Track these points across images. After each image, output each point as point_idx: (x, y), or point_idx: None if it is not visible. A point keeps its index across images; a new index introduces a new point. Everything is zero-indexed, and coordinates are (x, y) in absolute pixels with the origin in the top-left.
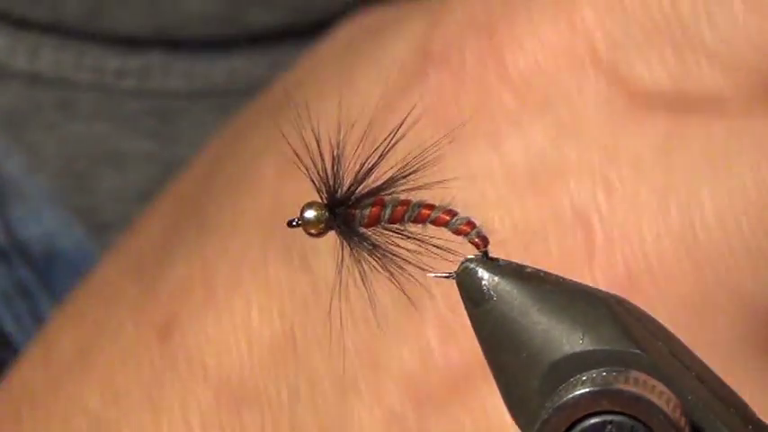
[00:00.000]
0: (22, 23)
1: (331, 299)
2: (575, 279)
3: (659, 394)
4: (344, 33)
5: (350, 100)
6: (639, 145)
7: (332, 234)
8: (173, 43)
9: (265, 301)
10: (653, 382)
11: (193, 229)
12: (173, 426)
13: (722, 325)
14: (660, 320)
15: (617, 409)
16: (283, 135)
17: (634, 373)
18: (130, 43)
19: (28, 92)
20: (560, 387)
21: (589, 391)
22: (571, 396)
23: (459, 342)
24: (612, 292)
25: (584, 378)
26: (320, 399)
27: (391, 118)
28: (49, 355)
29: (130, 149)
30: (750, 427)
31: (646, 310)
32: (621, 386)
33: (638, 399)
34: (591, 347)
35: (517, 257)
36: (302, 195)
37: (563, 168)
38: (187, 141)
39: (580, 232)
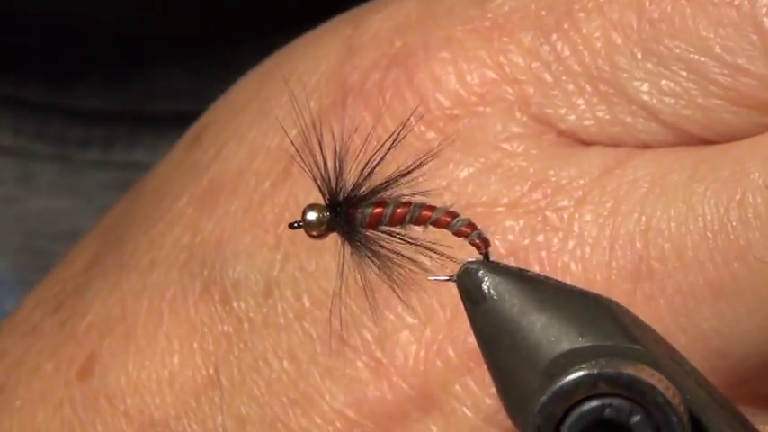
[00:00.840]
0: None
1: (331, 304)
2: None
3: (658, 380)
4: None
5: (266, 140)
6: (575, 177)
7: (250, 267)
8: (139, 116)
9: (186, 341)
10: (651, 370)
11: (114, 263)
12: None
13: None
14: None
15: (615, 392)
16: (286, 134)
17: (633, 361)
18: (95, 115)
19: None
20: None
21: (587, 374)
22: (570, 378)
23: (390, 379)
24: None
25: (582, 365)
26: None
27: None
28: None
29: (90, 227)
30: None
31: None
32: (621, 369)
33: (637, 381)
34: (590, 343)
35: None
36: (219, 227)
37: (493, 207)
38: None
39: None
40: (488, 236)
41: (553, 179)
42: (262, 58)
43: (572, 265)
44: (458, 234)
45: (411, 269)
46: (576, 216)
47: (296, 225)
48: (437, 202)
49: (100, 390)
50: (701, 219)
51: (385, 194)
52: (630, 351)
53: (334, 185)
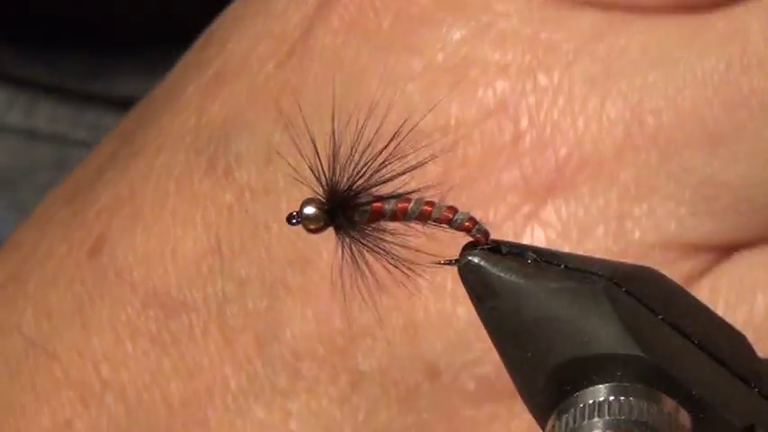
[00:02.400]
0: (20, 81)
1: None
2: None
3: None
4: None
5: (270, 25)
6: (567, 39)
7: (252, 139)
8: None
9: (190, 213)
10: (659, 407)
11: (125, 155)
12: (103, 338)
13: (663, 212)
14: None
15: None
16: (286, 134)
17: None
18: (129, 104)
19: (23, 149)
20: (567, 399)
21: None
22: None
23: None
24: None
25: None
26: (249, 301)
27: (313, 40)
28: None
29: None
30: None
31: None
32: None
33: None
34: (594, 352)
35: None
36: (224, 107)
37: (486, 66)
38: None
39: (508, 127)
40: (487, 227)
41: (545, 41)
42: None
43: (561, 120)
44: (459, 229)
45: (410, 263)
46: (568, 76)
47: (294, 221)
48: (436, 198)
49: (108, 266)
50: (699, 72)
51: (385, 189)
52: (634, 360)
53: (332, 180)
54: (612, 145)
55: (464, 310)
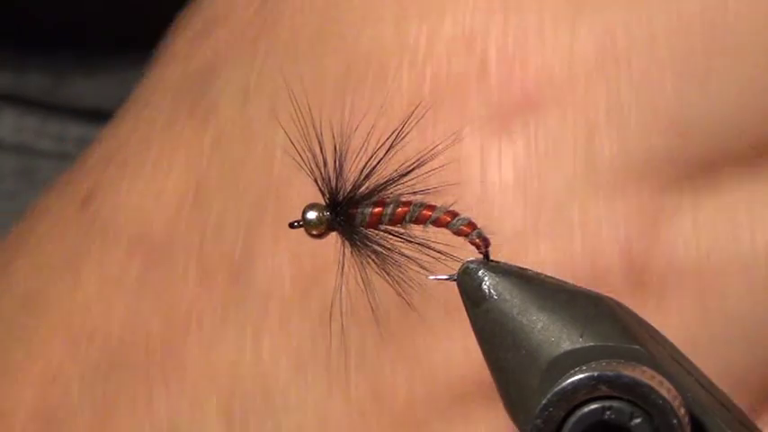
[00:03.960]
0: None
1: (332, 303)
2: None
3: (659, 383)
4: None
5: None
6: None
7: (230, 79)
8: None
9: (172, 158)
10: (652, 372)
11: (118, 114)
12: (89, 285)
13: (634, 138)
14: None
15: (616, 395)
16: (286, 134)
17: (634, 362)
18: (95, 114)
19: None
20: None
21: (588, 376)
22: (569, 381)
23: None
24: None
25: (583, 367)
26: (226, 237)
27: None
28: None
29: None
30: None
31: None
32: (621, 371)
33: (637, 384)
34: (590, 343)
35: (415, 85)
36: (207, 54)
37: None
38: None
39: (479, 45)
40: (488, 235)
41: None
42: None
43: (533, 40)
44: (458, 233)
45: (411, 268)
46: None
47: (296, 224)
48: (437, 202)
49: (96, 216)
50: None
51: (385, 194)
52: (631, 352)
53: (334, 185)
54: (584, 65)
55: None
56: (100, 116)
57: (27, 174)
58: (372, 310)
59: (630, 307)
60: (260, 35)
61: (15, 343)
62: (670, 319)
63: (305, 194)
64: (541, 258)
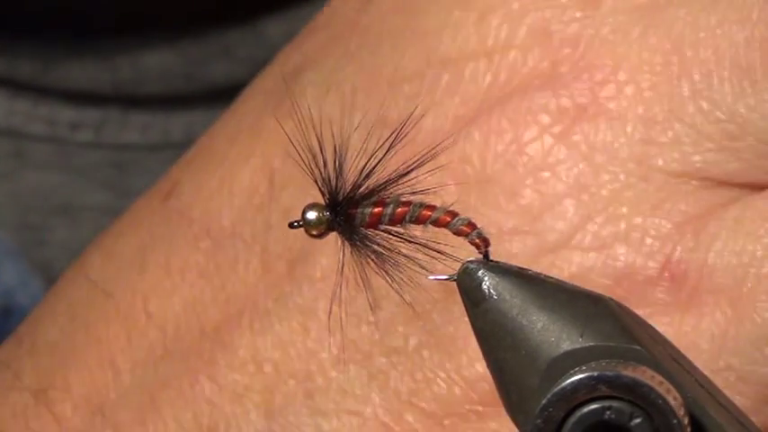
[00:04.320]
0: None
1: (331, 305)
2: None
3: (659, 383)
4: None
5: None
6: None
7: (316, 74)
8: (130, 98)
9: (251, 148)
10: (652, 372)
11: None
12: (155, 274)
13: (688, 143)
14: None
15: (616, 395)
16: (287, 136)
17: (633, 363)
18: (86, 97)
19: None
20: (559, 379)
21: (588, 376)
22: (570, 381)
23: None
24: None
25: (583, 367)
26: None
27: None
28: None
29: (85, 202)
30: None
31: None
32: (621, 371)
33: (637, 384)
34: (590, 343)
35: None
36: (302, 55)
37: None
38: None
39: (549, 51)
40: (487, 235)
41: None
42: (250, 39)
43: (601, 47)
44: (458, 233)
45: (411, 268)
46: (613, 5)
47: (296, 224)
48: (437, 202)
49: (174, 207)
50: (740, 7)
51: (385, 194)
52: (631, 352)
53: (334, 185)
54: (649, 74)
55: None
56: (90, 99)
57: (19, 156)
58: (371, 309)
59: (669, 317)
60: (352, 35)
61: (77, 330)
62: (702, 326)
63: None
64: (586, 267)
